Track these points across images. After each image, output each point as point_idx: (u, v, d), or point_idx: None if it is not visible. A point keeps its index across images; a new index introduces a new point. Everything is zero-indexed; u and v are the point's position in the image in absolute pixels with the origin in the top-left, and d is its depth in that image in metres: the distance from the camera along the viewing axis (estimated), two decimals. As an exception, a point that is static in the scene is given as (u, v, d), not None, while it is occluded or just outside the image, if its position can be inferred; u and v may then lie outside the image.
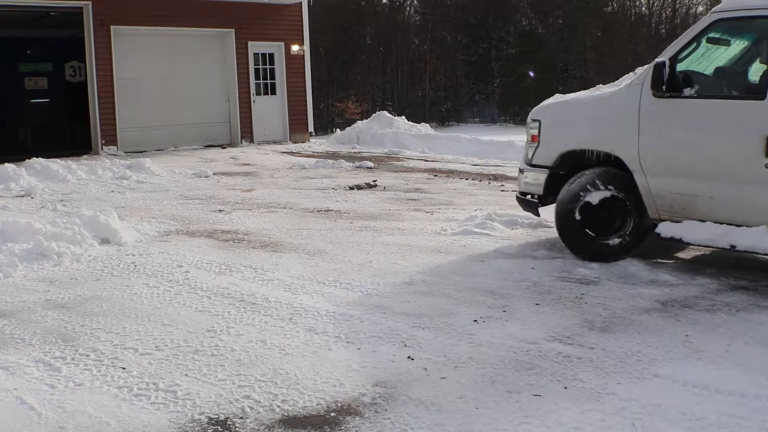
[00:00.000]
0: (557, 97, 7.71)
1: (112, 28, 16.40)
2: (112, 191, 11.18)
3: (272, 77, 19.14)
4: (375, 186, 11.54)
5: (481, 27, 34.14)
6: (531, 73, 29.48)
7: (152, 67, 17.21)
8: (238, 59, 18.33)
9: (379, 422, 3.62)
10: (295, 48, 19.19)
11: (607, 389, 3.98)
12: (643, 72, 6.51)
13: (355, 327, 4.94)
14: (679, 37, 6.49)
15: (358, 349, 4.58)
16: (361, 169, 13.71)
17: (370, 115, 20.86)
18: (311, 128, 19.95)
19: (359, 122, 20.57)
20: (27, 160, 12.85)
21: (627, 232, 6.64)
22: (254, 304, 5.48)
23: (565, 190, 6.80)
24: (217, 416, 3.70)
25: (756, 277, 6.24)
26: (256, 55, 18.75)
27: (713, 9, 6.43)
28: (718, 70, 6.64)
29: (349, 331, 4.86)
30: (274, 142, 18.88)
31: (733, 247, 6.08)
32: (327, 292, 5.76)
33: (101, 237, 7.43)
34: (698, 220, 6.26)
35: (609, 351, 4.52)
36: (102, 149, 16.33)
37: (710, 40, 6.54)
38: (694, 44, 6.41)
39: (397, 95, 33.86)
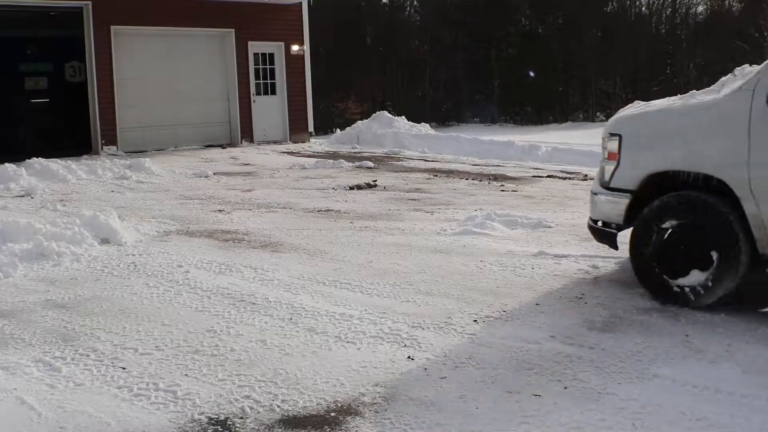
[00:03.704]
0: (639, 106, 6.39)
1: (112, 28, 16.40)
2: (112, 191, 11.18)
3: (272, 77, 19.14)
4: (375, 186, 11.53)
5: (481, 27, 34.14)
6: (531, 73, 29.45)
7: (152, 67, 17.21)
8: (238, 59, 18.32)
9: (379, 422, 3.62)
10: (295, 48, 19.18)
11: (607, 389, 3.98)
12: (755, 74, 5.35)
13: (355, 327, 4.94)
14: None
15: (358, 349, 4.58)
16: (361, 169, 13.71)
17: (370, 115, 20.84)
18: (311, 128, 19.94)
19: (359, 122, 20.57)
20: (27, 160, 12.85)
21: (715, 270, 5.37)
22: (254, 304, 5.48)
23: (643, 220, 5.69)
24: (217, 416, 3.70)
25: (756, 277, 6.23)
26: (256, 55, 18.74)
27: None
28: None
29: (349, 331, 4.86)
30: (274, 142, 18.88)
31: None
32: (327, 292, 5.76)
33: (101, 237, 7.43)
34: None
35: (609, 351, 4.52)
36: (102, 149, 16.32)
37: None
38: None
39: (397, 95, 33.86)
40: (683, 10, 36.52)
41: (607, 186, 6.00)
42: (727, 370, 4.24)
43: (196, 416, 3.69)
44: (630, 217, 5.81)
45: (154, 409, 3.77)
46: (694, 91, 6.05)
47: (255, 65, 18.76)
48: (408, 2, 37.64)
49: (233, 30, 18.16)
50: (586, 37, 32.81)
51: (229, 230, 8.17)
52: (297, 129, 19.41)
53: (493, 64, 34.87)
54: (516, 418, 3.66)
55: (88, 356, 4.47)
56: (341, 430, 3.56)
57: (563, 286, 5.91)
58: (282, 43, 19.03)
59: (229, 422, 3.64)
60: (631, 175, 5.81)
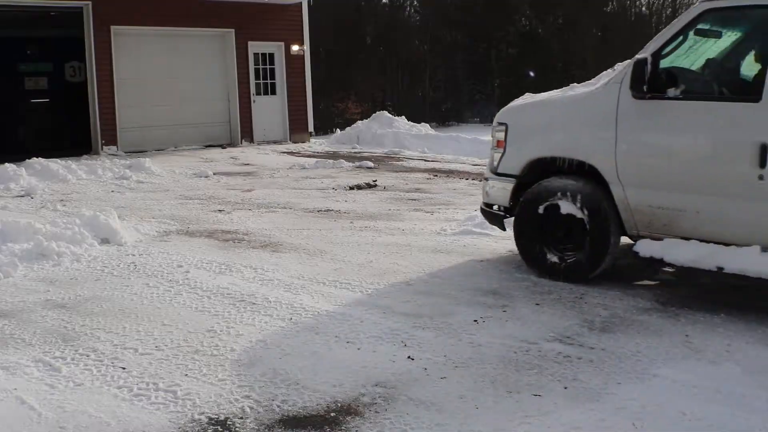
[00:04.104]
0: (527, 98, 6.90)
1: (112, 28, 16.40)
2: (112, 191, 11.18)
3: (272, 77, 19.14)
4: (375, 186, 11.54)
5: (481, 27, 34.12)
6: (531, 73, 29.48)
7: (152, 67, 17.21)
8: (238, 59, 18.32)
9: (379, 422, 3.62)
10: (295, 48, 19.18)
11: (607, 389, 3.98)
12: (622, 69, 5.83)
13: (355, 327, 4.94)
14: (663, 30, 5.81)
15: (358, 349, 4.58)
16: (361, 169, 13.71)
17: (370, 115, 20.85)
18: (311, 128, 19.95)
19: (359, 122, 20.57)
20: (27, 160, 12.85)
21: (590, 250, 5.94)
22: (254, 304, 5.47)
23: (524, 202, 6.24)
24: (217, 416, 3.69)
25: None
26: (256, 55, 18.74)
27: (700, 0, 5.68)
28: (707, 67, 5.97)
29: (349, 331, 4.86)
30: (274, 142, 18.88)
31: (720, 269, 5.35)
32: (327, 292, 5.76)
33: (101, 237, 7.43)
34: (681, 238, 5.57)
35: (609, 351, 4.52)
36: (102, 149, 16.32)
37: (698, 32, 5.80)
38: (680, 38, 5.71)
39: (397, 95, 33.85)
40: (683, 10, 36.56)
41: (495, 172, 6.55)
42: (727, 370, 4.24)
43: (196, 416, 3.69)
44: (515, 200, 6.36)
45: (154, 409, 3.77)
46: (575, 84, 6.60)
47: (255, 65, 18.76)
48: (408, 2, 37.63)
49: (233, 30, 18.16)
50: (586, 37, 32.80)
51: (229, 230, 8.17)
52: (297, 129, 19.41)
53: (493, 64, 34.85)
54: (516, 418, 3.66)
55: (88, 356, 4.47)
56: (341, 430, 3.56)
57: (563, 286, 5.91)
58: (282, 43, 19.03)
59: (229, 422, 3.63)
60: (515, 162, 6.35)
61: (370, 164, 14.25)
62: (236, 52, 18.30)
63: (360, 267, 6.51)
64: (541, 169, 6.23)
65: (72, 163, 13.06)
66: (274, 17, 18.91)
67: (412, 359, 4.39)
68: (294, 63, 19.22)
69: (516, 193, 6.34)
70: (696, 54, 5.94)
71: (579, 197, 5.94)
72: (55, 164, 12.64)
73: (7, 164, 12.11)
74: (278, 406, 3.79)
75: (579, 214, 5.96)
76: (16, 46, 18.14)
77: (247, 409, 3.76)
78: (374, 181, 11.98)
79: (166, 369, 4.27)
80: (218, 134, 18.29)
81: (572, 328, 4.93)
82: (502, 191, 6.48)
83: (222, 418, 3.68)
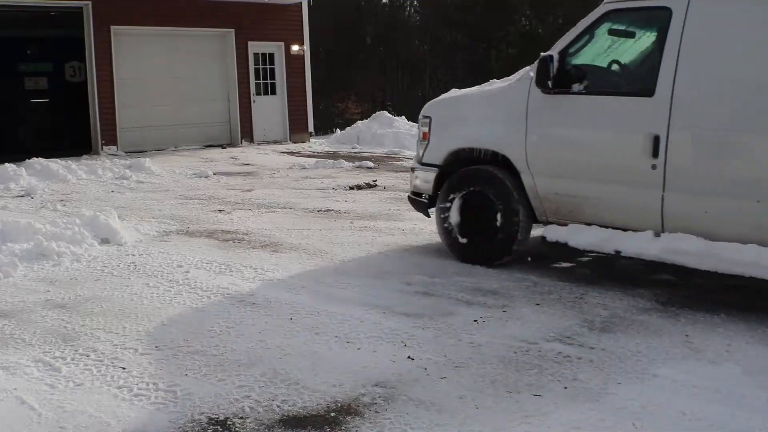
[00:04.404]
0: (452, 93, 7.32)
1: (112, 28, 16.40)
2: (112, 191, 11.18)
3: (272, 77, 19.14)
4: (375, 186, 11.54)
5: (481, 27, 34.13)
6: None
7: (152, 67, 17.21)
8: (238, 59, 18.32)
9: (379, 422, 3.62)
10: (295, 48, 19.18)
11: (607, 389, 3.98)
12: (533, 66, 6.15)
13: (355, 327, 4.94)
14: (571, 29, 6.10)
15: (358, 349, 4.57)
16: (361, 169, 13.71)
17: (370, 115, 20.85)
18: (311, 128, 19.95)
19: (359, 122, 20.57)
20: (27, 160, 12.85)
21: (502, 236, 6.34)
22: (254, 304, 5.47)
23: (443, 190, 6.66)
24: (217, 416, 3.69)
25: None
26: (256, 55, 18.74)
27: (605, 0, 6.02)
28: (610, 64, 6.29)
29: (349, 331, 4.86)
30: (274, 142, 18.88)
31: (618, 252, 5.76)
32: (327, 292, 5.76)
33: (101, 237, 7.43)
34: (585, 224, 5.95)
35: (609, 351, 4.52)
36: (102, 149, 16.32)
37: (612, 32, 6.11)
38: (586, 37, 6.02)
39: (397, 95, 33.85)
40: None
41: (420, 162, 7.04)
42: (727, 370, 4.24)
43: (196, 416, 3.69)
44: (437, 188, 6.80)
45: (154, 409, 3.77)
46: (494, 79, 7.00)
47: (255, 65, 18.76)
48: (408, 2, 37.63)
49: (233, 30, 18.16)
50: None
51: (229, 230, 8.17)
52: (297, 129, 19.41)
53: (493, 64, 34.82)
54: (516, 418, 3.66)
55: (88, 356, 4.46)
56: (341, 430, 3.56)
57: (563, 286, 5.91)
58: (282, 43, 19.03)
59: (229, 422, 3.63)
60: (438, 152, 6.83)
61: (370, 164, 14.25)
62: (236, 52, 18.30)
63: (360, 267, 6.50)
64: (461, 159, 6.67)
65: (72, 163, 13.06)
66: (274, 17, 18.91)
67: (412, 359, 4.39)
68: (294, 63, 19.22)
69: (439, 182, 6.79)
70: (606, 53, 6.25)
71: (493, 186, 6.37)
72: (55, 164, 12.64)
73: (7, 164, 12.11)
74: (278, 406, 3.79)
75: (492, 202, 6.38)
76: (16, 46, 18.15)
77: (247, 409, 3.76)
78: (374, 181, 11.98)
79: (166, 369, 4.27)
80: (218, 134, 18.29)
81: (572, 328, 4.93)
82: (426, 180, 6.94)
83: (222, 418, 3.68)
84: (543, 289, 5.83)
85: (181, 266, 6.55)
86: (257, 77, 18.87)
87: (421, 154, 7.03)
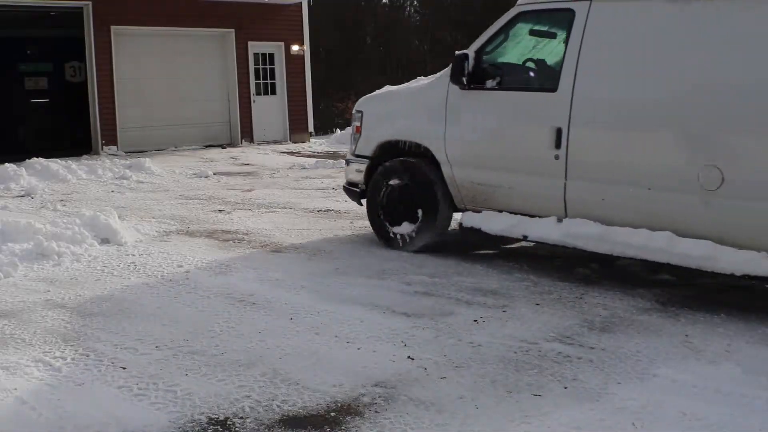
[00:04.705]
0: (384, 89, 7.87)
1: (112, 28, 16.40)
2: (112, 191, 11.18)
3: (272, 77, 19.14)
4: (375, 186, 11.51)
5: (481, 27, 34.08)
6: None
7: (152, 67, 17.21)
8: (238, 59, 18.32)
9: (379, 422, 3.62)
10: (295, 48, 19.18)
11: (607, 389, 3.98)
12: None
13: (355, 327, 4.94)
14: (487, 29, 6.52)
15: (358, 349, 4.57)
16: (361, 169, 13.68)
17: (370, 115, 20.80)
18: (311, 128, 19.95)
19: (359, 122, 20.53)
20: (27, 160, 12.85)
21: (423, 223, 6.85)
22: (254, 304, 5.47)
23: (372, 180, 7.19)
24: (217, 416, 3.69)
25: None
26: (256, 55, 18.74)
27: (518, 2, 6.44)
28: (523, 62, 6.69)
29: (349, 331, 4.86)
30: (274, 142, 18.88)
31: (525, 237, 6.25)
32: (327, 291, 5.76)
33: (101, 237, 7.43)
34: (498, 210, 6.43)
35: (609, 351, 4.52)
36: (102, 149, 16.32)
37: (533, 33, 6.55)
38: (501, 36, 6.47)
39: (397, 95, 33.78)
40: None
41: (353, 154, 7.50)
42: (727, 370, 4.24)
43: (196, 416, 3.69)
44: (369, 179, 7.25)
45: (154, 409, 3.77)
46: (421, 77, 7.48)
47: (255, 65, 18.76)
48: (408, 2, 37.62)
49: (233, 30, 18.15)
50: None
51: (229, 230, 8.17)
52: (297, 129, 19.41)
53: (493, 63, 34.81)
54: (516, 418, 3.66)
55: (88, 356, 4.46)
56: (341, 430, 3.56)
57: (563, 286, 5.92)
58: (282, 43, 19.03)
59: (229, 422, 3.63)
60: (368, 145, 7.28)
61: (370, 164, 14.23)
62: (236, 52, 18.29)
63: (360, 267, 6.50)
64: (389, 151, 7.15)
65: (72, 163, 13.06)
66: (274, 17, 18.91)
67: (412, 359, 4.39)
68: (294, 63, 19.22)
69: (369, 173, 7.26)
70: (521, 51, 6.70)
71: (416, 176, 6.87)
72: (56, 164, 12.64)
73: (7, 164, 12.11)
74: (278, 406, 3.79)
75: (414, 191, 6.88)
76: (16, 46, 18.15)
77: (247, 409, 3.76)
78: (374, 181, 11.96)
79: (166, 369, 4.27)
80: (218, 134, 18.30)
81: (572, 328, 4.93)
82: (359, 171, 7.41)
83: (222, 418, 3.68)
84: (543, 289, 5.83)
85: (181, 266, 6.55)
86: (257, 77, 18.87)
87: (354, 147, 7.53)
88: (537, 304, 5.44)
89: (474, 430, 3.54)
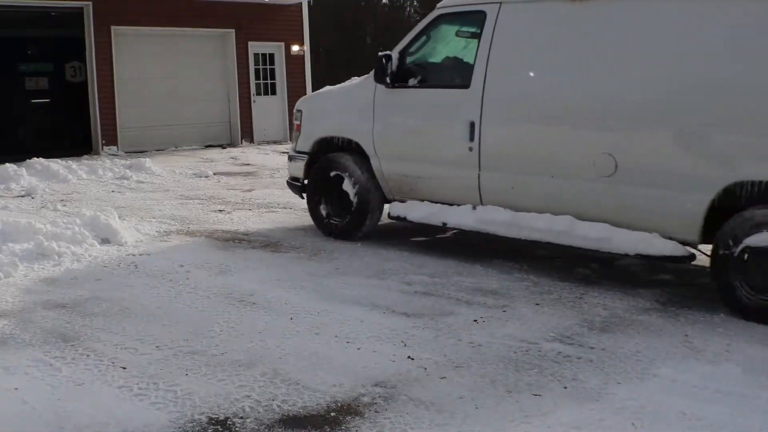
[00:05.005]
0: (323, 89, 8.30)
1: (112, 28, 16.39)
2: (113, 191, 11.18)
3: (272, 77, 19.14)
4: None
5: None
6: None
7: (152, 67, 17.21)
8: (238, 59, 18.31)
9: (379, 422, 3.62)
10: (295, 48, 19.18)
11: (607, 389, 3.98)
12: None
13: (355, 327, 4.94)
14: (411, 31, 7.01)
15: (358, 349, 4.57)
16: (361, 169, 13.67)
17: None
18: (311, 128, 19.91)
19: (359, 122, 20.55)
20: (27, 160, 12.84)
21: (355, 213, 7.34)
22: (254, 304, 5.47)
23: (311, 174, 7.71)
24: (217, 416, 3.69)
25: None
26: (256, 55, 18.74)
27: (438, 5, 6.87)
28: (443, 61, 7.14)
29: (349, 331, 4.86)
30: (274, 142, 18.88)
31: (444, 224, 6.76)
32: (327, 291, 5.76)
33: (102, 237, 7.43)
34: (421, 200, 6.93)
35: (609, 351, 4.52)
36: (102, 149, 16.32)
37: (459, 34, 6.98)
38: (423, 38, 6.93)
39: (397, 95, 33.81)
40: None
41: (295, 150, 7.98)
42: (727, 370, 4.24)
43: (196, 416, 3.69)
44: (308, 173, 7.73)
45: (154, 409, 3.77)
46: (355, 77, 7.80)
47: (255, 65, 18.76)
48: (408, 2, 37.64)
49: (233, 30, 18.15)
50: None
51: (229, 230, 8.17)
52: (297, 129, 19.38)
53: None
54: (516, 418, 3.66)
55: (88, 356, 4.46)
56: (341, 430, 3.56)
57: (563, 286, 5.92)
58: (282, 43, 19.03)
59: (229, 422, 3.63)
60: (307, 141, 7.77)
61: (371, 164, 14.22)
62: (236, 52, 18.29)
63: (360, 267, 6.50)
64: (325, 146, 7.64)
65: (72, 163, 13.06)
66: (274, 17, 18.91)
67: (412, 359, 4.39)
68: (294, 63, 19.22)
69: (309, 168, 7.74)
70: (444, 51, 7.14)
71: (348, 169, 7.33)
72: (56, 164, 12.63)
73: (7, 164, 12.11)
74: (278, 406, 3.79)
75: (347, 183, 7.33)
76: (17, 46, 18.13)
77: (247, 409, 3.76)
78: (374, 181, 11.95)
79: (166, 369, 4.27)
80: (218, 134, 18.29)
81: (572, 328, 4.93)
82: (299, 166, 7.88)
83: (222, 418, 3.68)
84: (543, 289, 5.83)
85: (181, 266, 6.55)
86: (257, 77, 18.86)
87: (295, 144, 8.03)
88: (537, 304, 5.44)
89: (474, 430, 3.54)
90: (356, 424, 3.61)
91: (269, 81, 19.09)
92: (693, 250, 5.61)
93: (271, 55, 19.06)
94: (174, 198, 10.53)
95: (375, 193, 7.29)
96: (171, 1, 16.97)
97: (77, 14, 16.24)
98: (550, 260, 6.73)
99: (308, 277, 6.16)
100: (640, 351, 4.52)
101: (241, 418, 3.68)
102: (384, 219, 7.56)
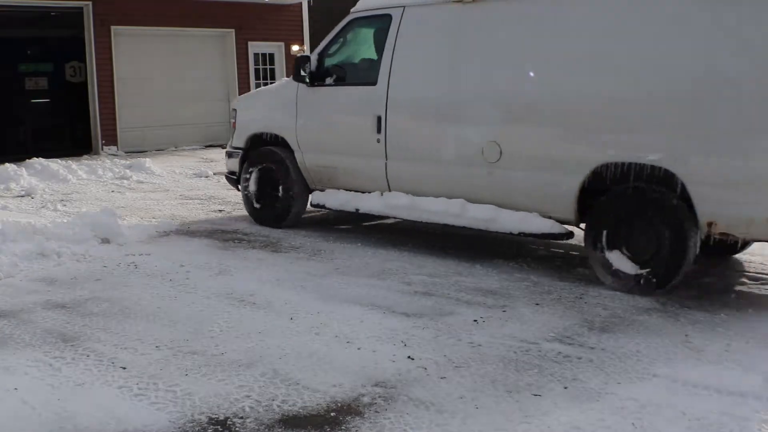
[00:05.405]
0: (259, 89, 9.05)
1: (112, 28, 16.41)
2: (113, 191, 11.18)
3: (272, 77, 19.14)
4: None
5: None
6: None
7: (152, 67, 17.22)
8: (238, 59, 18.32)
9: (379, 422, 3.62)
10: (295, 48, 19.18)
11: (607, 389, 3.98)
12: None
13: (355, 327, 4.94)
14: (329, 34, 7.68)
15: (358, 349, 4.57)
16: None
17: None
18: (311, 128, 19.92)
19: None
20: (27, 160, 12.85)
21: (282, 201, 8.03)
22: (254, 304, 5.47)
23: (243, 168, 8.32)
24: (217, 416, 3.69)
25: (755, 276, 6.24)
26: (256, 55, 18.75)
27: (351, 9, 7.54)
28: (356, 61, 7.77)
29: (349, 331, 4.86)
30: (275, 142, 18.86)
31: (357, 210, 7.37)
32: (327, 291, 5.76)
33: (102, 237, 7.44)
34: (338, 189, 7.58)
35: (609, 351, 4.52)
36: (102, 149, 16.33)
37: (372, 35, 7.55)
38: (340, 40, 7.62)
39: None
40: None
41: (231, 146, 8.66)
42: (727, 370, 4.24)
43: (196, 416, 3.69)
44: (242, 167, 8.37)
45: (154, 409, 3.77)
46: (284, 77, 8.17)
47: (255, 65, 18.77)
48: (408, 2, 37.63)
49: (233, 30, 18.17)
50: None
51: (229, 230, 8.17)
52: (297, 129, 19.38)
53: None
54: (516, 418, 3.66)
55: (88, 356, 4.46)
56: (341, 430, 3.56)
57: (563, 286, 5.92)
58: (282, 43, 19.04)
59: (229, 422, 3.63)
60: (241, 137, 8.45)
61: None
62: (236, 52, 18.31)
63: (360, 267, 6.51)
64: (257, 142, 8.31)
65: (72, 163, 13.06)
66: (274, 17, 18.92)
67: (412, 359, 4.39)
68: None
69: (243, 162, 8.36)
70: (353, 50, 7.77)
71: (275, 162, 8.01)
72: (56, 164, 12.64)
73: (7, 164, 12.11)
74: (278, 406, 3.79)
75: (276, 175, 8.01)
76: (17, 46, 18.15)
77: (247, 409, 3.76)
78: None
79: (166, 369, 4.27)
80: (218, 134, 18.29)
81: (572, 328, 4.93)
82: (235, 161, 8.52)
83: (222, 418, 3.68)
84: (543, 289, 5.83)
85: (181, 266, 6.55)
86: (257, 77, 18.87)
87: (231, 140, 8.68)
88: (537, 304, 5.44)
89: (474, 430, 3.54)
90: (356, 424, 3.61)
91: (269, 81, 19.08)
92: (571, 228, 6.19)
93: (271, 55, 19.06)
94: (174, 198, 10.54)
95: (299, 184, 7.92)
96: (171, 1, 16.97)
97: (77, 14, 16.25)
98: (550, 260, 6.73)
99: (308, 277, 6.16)
100: (640, 351, 4.52)
101: (241, 418, 3.68)
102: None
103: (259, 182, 8.20)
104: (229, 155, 8.66)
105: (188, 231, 8.15)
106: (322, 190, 7.73)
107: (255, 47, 18.65)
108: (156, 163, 13.77)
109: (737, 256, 6.76)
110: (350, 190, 7.47)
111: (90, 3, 16.05)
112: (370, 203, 7.26)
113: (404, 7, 7.00)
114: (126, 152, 16.27)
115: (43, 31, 17.95)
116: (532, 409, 3.75)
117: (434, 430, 3.55)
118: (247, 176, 8.25)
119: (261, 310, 5.32)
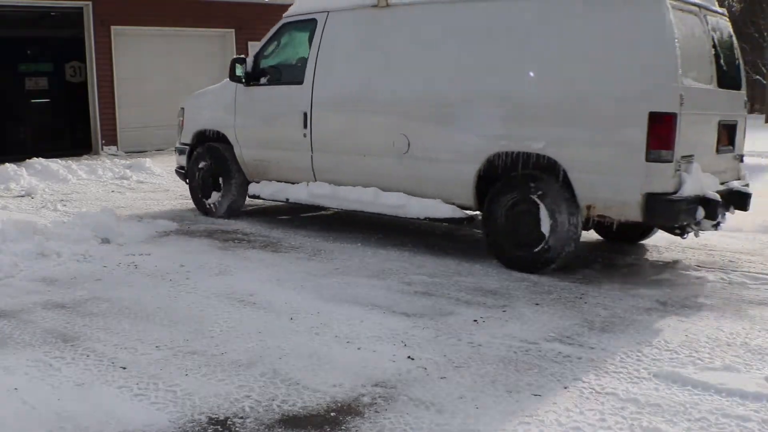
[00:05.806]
0: (205, 89, 9.55)
1: (112, 28, 16.40)
2: (113, 191, 11.18)
3: (272, 77, 19.10)
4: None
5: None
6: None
7: (152, 67, 17.21)
8: (239, 59, 18.28)
9: (379, 422, 3.62)
10: (295, 48, 19.16)
11: (607, 389, 3.98)
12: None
13: (355, 327, 4.94)
14: (264, 37, 8.47)
15: (358, 349, 4.57)
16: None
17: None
18: (311, 128, 19.90)
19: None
20: (27, 160, 12.85)
21: (224, 193, 8.70)
22: (254, 304, 5.47)
23: (190, 162, 9.00)
24: (217, 416, 3.69)
25: (756, 276, 6.24)
26: (256, 55, 18.71)
27: (284, 14, 8.30)
28: (287, 62, 8.43)
29: (349, 331, 4.86)
30: (275, 142, 18.85)
31: (287, 199, 8.05)
32: (327, 291, 5.76)
33: (102, 237, 7.44)
34: (271, 181, 8.25)
35: (609, 351, 4.52)
36: (102, 149, 16.32)
37: (302, 38, 8.13)
38: (275, 42, 8.37)
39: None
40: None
41: (180, 143, 9.32)
42: (728, 370, 4.24)
43: (196, 416, 3.69)
44: (189, 161, 9.04)
45: (154, 409, 3.76)
46: (227, 79, 8.74)
47: (255, 65, 18.73)
48: (408, 2, 37.60)
49: (233, 30, 18.16)
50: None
51: (229, 230, 8.18)
52: (297, 129, 19.36)
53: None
54: (516, 418, 3.66)
55: (88, 356, 4.46)
56: (341, 430, 3.56)
57: (563, 286, 5.92)
58: (282, 43, 19.00)
59: (229, 422, 3.63)
60: (187, 135, 9.16)
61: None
62: (236, 53, 18.27)
63: (360, 267, 6.51)
64: (201, 138, 8.96)
65: (72, 163, 13.07)
66: (274, 17, 18.78)
67: (412, 359, 4.39)
68: (294, 63, 19.19)
69: (189, 157, 9.07)
70: (286, 52, 8.46)
71: (217, 157, 8.70)
72: (56, 164, 12.64)
73: (7, 164, 12.12)
74: (278, 406, 3.79)
75: (217, 168, 8.71)
76: (17, 46, 18.15)
77: (247, 409, 3.76)
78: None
79: (166, 369, 4.27)
80: (218, 134, 18.26)
81: (572, 328, 4.93)
82: (183, 156, 9.21)
83: (222, 418, 3.68)
84: (543, 289, 5.83)
85: (182, 266, 6.55)
86: (257, 77, 18.83)
87: (179, 137, 9.32)
88: (537, 304, 5.44)
89: (474, 430, 3.54)
90: (356, 424, 3.61)
91: (269, 81, 19.06)
92: (471, 213, 6.86)
93: (271, 55, 19.03)
94: (174, 198, 10.54)
95: (238, 177, 8.61)
96: (171, 1, 16.97)
97: (77, 14, 16.25)
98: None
99: (308, 277, 6.16)
100: (640, 351, 4.52)
101: (241, 418, 3.68)
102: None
103: (204, 176, 8.86)
104: (179, 151, 9.32)
105: (188, 231, 8.15)
106: (258, 182, 8.38)
107: (255, 47, 18.58)
108: (156, 163, 13.77)
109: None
110: (282, 182, 8.12)
111: (90, 3, 16.04)
112: (297, 193, 7.89)
113: (328, 12, 7.72)
114: (126, 152, 16.27)
115: (43, 31, 17.94)
116: (532, 409, 3.75)
117: (434, 430, 3.55)
118: (194, 170, 8.94)
119: (261, 310, 5.32)
